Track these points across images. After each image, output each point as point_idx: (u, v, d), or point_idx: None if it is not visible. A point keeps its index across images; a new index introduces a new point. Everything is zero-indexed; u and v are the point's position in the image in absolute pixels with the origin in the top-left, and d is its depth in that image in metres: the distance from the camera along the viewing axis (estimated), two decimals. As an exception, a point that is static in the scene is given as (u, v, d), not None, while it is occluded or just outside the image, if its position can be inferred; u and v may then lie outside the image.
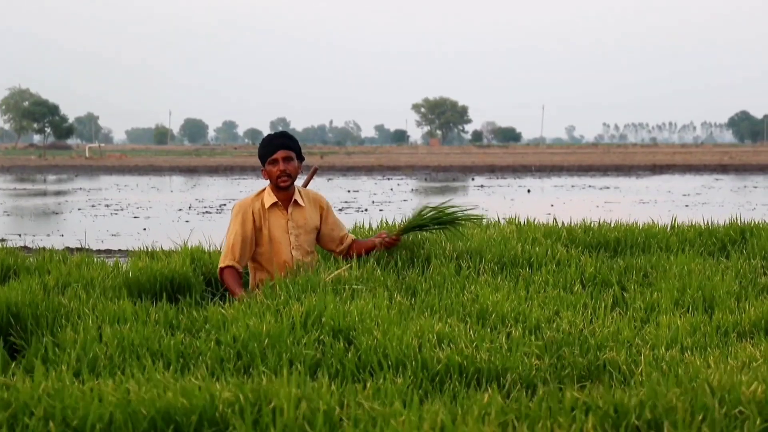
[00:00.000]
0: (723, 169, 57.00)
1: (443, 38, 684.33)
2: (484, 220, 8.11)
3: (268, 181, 6.44)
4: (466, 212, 6.70)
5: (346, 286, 5.36)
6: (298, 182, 6.68)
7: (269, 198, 6.40)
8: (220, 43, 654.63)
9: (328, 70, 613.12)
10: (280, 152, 6.35)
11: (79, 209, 27.78)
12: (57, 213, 26.76)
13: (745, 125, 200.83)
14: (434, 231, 6.76)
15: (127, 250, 13.23)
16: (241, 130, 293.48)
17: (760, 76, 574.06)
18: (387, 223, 8.55)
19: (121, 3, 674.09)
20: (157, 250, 7.71)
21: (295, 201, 6.43)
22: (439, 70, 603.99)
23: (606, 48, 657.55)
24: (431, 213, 6.61)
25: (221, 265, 6.22)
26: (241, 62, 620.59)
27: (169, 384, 3.43)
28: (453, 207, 6.67)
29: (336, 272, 5.70)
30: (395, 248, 6.53)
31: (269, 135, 6.54)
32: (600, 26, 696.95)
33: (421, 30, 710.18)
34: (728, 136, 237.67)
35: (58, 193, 37.99)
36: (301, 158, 6.49)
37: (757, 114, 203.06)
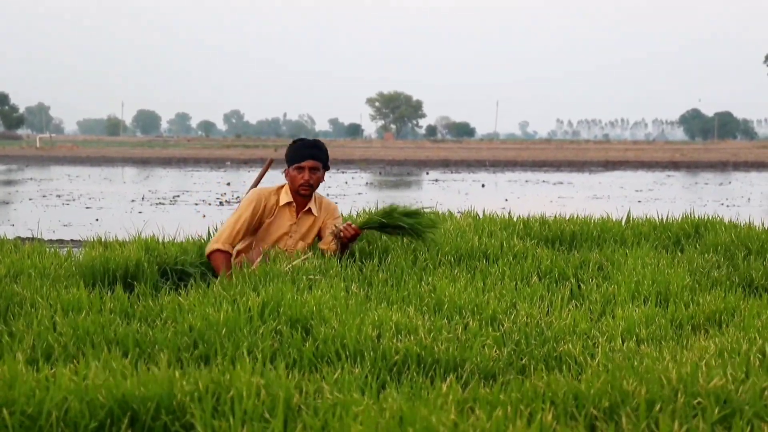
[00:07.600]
0: (674, 165, 57.51)
1: (398, 33, 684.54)
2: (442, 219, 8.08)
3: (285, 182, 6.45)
4: (430, 226, 6.40)
5: (304, 277, 5.34)
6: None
7: (285, 196, 6.37)
8: (173, 34, 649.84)
9: (281, 62, 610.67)
10: (308, 161, 6.31)
11: (30, 199, 27.41)
12: (7, 203, 26.38)
13: (696, 123, 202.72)
14: (396, 234, 6.43)
15: (79, 240, 13.05)
16: (194, 122, 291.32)
17: (710, 75, 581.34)
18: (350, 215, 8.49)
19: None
20: (111, 240, 7.59)
21: (309, 209, 6.40)
22: (393, 64, 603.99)
23: (559, 45, 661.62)
24: (399, 215, 6.29)
25: (214, 246, 6.16)
26: (195, 53, 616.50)
27: (126, 372, 3.39)
28: (419, 214, 6.38)
29: (294, 262, 5.67)
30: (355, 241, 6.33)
31: (302, 140, 6.46)
32: (554, 23, 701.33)
33: (374, 24, 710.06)
34: (679, 134, 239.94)
35: (8, 183, 37.45)
36: (326, 168, 6.44)
37: (708, 112, 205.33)
